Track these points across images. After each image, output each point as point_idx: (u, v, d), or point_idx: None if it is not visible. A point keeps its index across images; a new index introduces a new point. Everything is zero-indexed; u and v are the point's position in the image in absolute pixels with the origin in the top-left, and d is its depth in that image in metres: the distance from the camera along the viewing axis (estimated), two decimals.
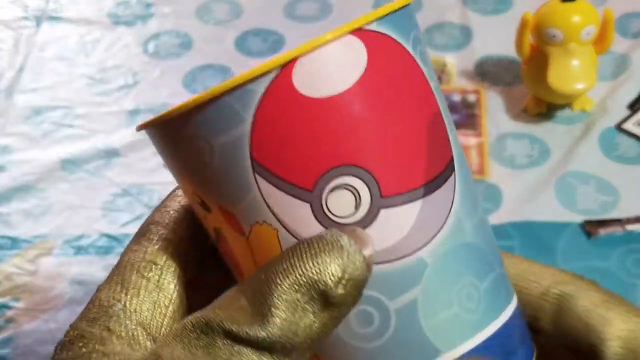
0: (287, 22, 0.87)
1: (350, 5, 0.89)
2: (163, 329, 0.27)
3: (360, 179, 0.25)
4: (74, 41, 0.86)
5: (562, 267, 0.60)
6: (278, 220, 0.25)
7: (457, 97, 0.76)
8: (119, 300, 0.27)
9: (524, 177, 0.68)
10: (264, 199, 0.25)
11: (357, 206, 0.25)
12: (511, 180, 0.68)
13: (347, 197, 0.25)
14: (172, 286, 0.28)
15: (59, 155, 0.74)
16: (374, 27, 0.25)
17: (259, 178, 0.25)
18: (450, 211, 0.26)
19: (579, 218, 0.64)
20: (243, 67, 0.82)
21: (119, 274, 0.28)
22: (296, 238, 0.25)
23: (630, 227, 0.62)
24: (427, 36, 0.83)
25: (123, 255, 0.29)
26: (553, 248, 0.62)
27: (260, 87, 0.24)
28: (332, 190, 0.25)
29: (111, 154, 0.74)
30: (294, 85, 0.24)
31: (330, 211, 0.25)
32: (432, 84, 0.27)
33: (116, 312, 0.27)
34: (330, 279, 0.23)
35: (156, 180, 0.70)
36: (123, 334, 0.26)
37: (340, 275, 0.23)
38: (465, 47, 0.82)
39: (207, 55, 0.83)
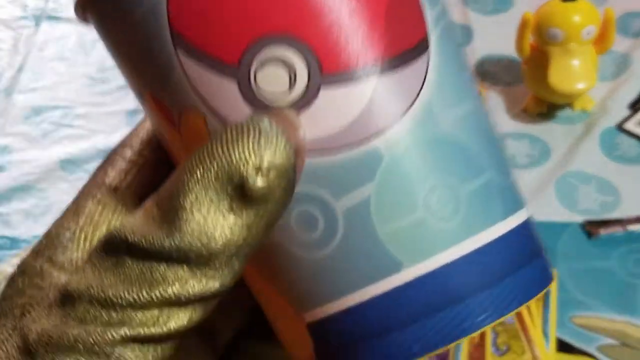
0: None
1: None
2: None
3: (295, 50, 0.21)
4: (73, 41, 0.86)
5: (563, 267, 0.60)
6: (204, 103, 0.21)
7: None
8: (68, 229, 0.24)
9: (524, 177, 0.68)
10: (188, 79, 0.21)
11: (292, 84, 0.21)
12: None
13: (279, 72, 0.21)
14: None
15: (58, 155, 0.74)
16: None
17: (180, 52, 0.21)
18: (417, 97, 0.22)
19: (580, 218, 0.64)
20: None
21: (74, 202, 0.25)
22: (224, 125, 0.21)
23: (631, 227, 0.63)
24: None
25: (85, 183, 0.26)
26: (553, 248, 0.62)
27: None
28: (262, 64, 0.21)
29: None
30: None
31: (260, 92, 0.21)
32: None
33: (62, 242, 0.23)
34: (245, 167, 0.20)
35: None
36: (66, 264, 0.23)
37: (257, 163, 0.20)
38: (466, 46, 0.82)
39: None
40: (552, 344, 0.56)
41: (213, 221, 0.20)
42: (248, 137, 0.20)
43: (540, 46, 0.70)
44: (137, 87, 0.23)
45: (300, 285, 0.22)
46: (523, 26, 0.70)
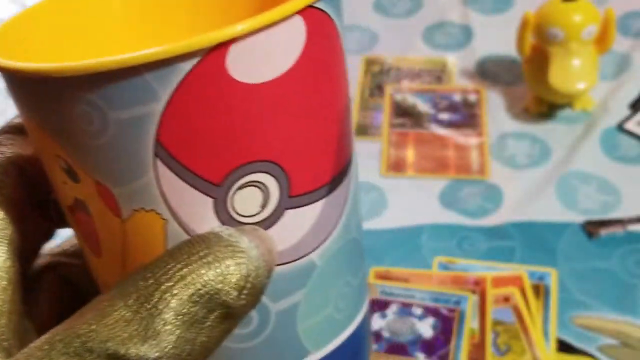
0: None
1: (350, 4, 0.89)
2: None
3: (273, 176, 0.22)
4: None
5: (563, 267, 0.60)
6: (171, 211, 0.22)
7: (457, 97, 0.76)
8: None
9: (524, 177, 0.68)
10: (159, 186, 0.21)
11: (264, 205, 0.22)
12: (512, 180, 0.68)
13: (256, 195, 0.22)
14: (3, 259, 0.22)
15: None
16: (320, 4, 0.22)
17: (159, 163, 0.21)
18: (343, 210, 0.25)
19: (580, 218, 0.64)
20: None
21: None
22: (188, 234, 0.22)
23: (631, 228, 0.63)
24: (428, 35, 0.83)
25: None
26: (554, 248, 0.62)
27: (188, 65, 0.20)
28: (242, 187, 0.22)
29: None
30: (227, 66, 0.20)
31: (234, 209, 0.22)
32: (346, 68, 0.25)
33: None
34: (234, 288, 0.20)
35: None
36: None
37: (243, 284, 0.20)
38: (466, 46, 0.82)
39: None
40: (553, 344, 0.56)
41: (195, 335, 0.20)
42: (234, 256, 0.21)
43: (540, 46, 0.70)
44: (72, 166, 0.23)
45: None
46: (523, 26, 0.71)
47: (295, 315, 0.24)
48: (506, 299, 0.58)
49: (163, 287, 0.20)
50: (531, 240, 0.63)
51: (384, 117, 0.75)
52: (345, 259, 0.25)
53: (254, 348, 0.24)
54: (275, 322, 0.24)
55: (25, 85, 0.22)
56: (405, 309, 0.58)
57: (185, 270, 0.20)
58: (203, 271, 0.20)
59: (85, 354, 0.19)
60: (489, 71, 0.79)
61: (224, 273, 0.20)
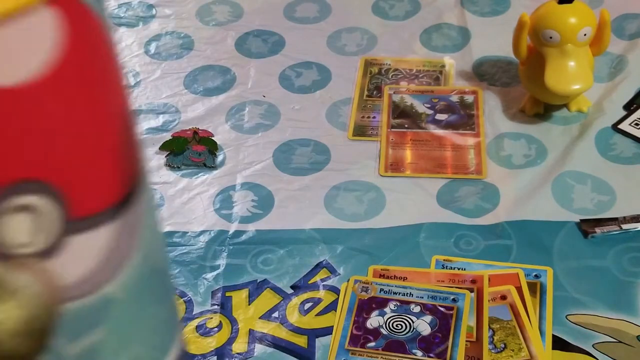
0: (287, 23, 0.88)
1: (349, 6, 0.89)
2: None
3: (45, 197, 0.18)
4: None
5: (559, 265, 0.61)
6: None
7: (455, 98, 0.77)
8: None
9: (521, 176, 0.69)
10: None
11: (38, 233, 0.19)
12: (508, 180, 0.69)
13: (26, 221, 0.18)
14: None
15: None
16: None
17: None
18: (138, 236, 0.22)
19: (576, 217, 0.65)
20: (243, 67, 0.82)
21: None
22: None
23: (626, 226, 0.63)
24: (426, 37, 0.84)
25: None
26: (550, 247, 0.63)
27: None
28: (6, 212, 0.18)
29: None
30: None
31: (1, 239, 0.18)
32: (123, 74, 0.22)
33: None
34: (10, 335, 0.18)
35: (157, 180, 0.71)
36: None
37: (19, 328, 0.18)
38: (463, 48, 0.83)
39: (207, 56, 0.84)
40: (549, 342, 0.56)
41: None
42: (11, 299, 0.18)
43: (537, 47, 0.71)
44: None
45: None
46: (520, 28, 0.71)
47: (99, 356, 0.21)
48: (503, 297, 0.59)
49: None
50: (527, 239, 0.63)
51: (383, 118, 0.75)
52: (149, 291, 0.22)
53: None
54: None
55: None
56: (404, 306, 0.59)
57: None
58: None
59: None
60: (486, 72, 0.79)
61: None
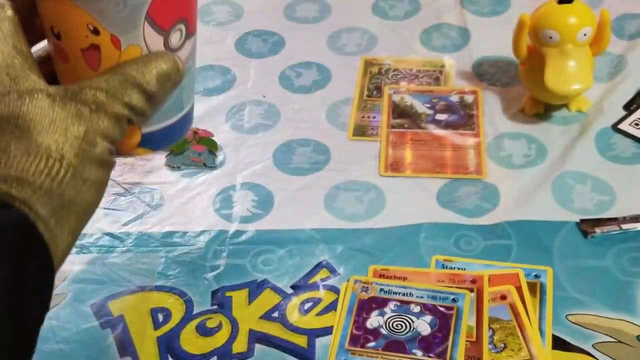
0: (287, 23, 0.88)
1: (349, 6, 0.89)
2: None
3: (184, 25, 0.43)
4: None
5: (559, 265, 0.61)
6: (146, 45, 0.41)
7: (455, 98, 0.77)
8: None
9: (521, 176, 0.69)
10: (143, 34, 0.41)
11: (181, 40, 0.43)
12: (508, 180, 0.69)
13: (179, 35, 0.43)
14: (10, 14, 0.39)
15: None
16: None
17: (145, 23, 0.41)
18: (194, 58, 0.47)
19: (576, 217, 0.65)
20: (243, 67, 0.82)
21: None
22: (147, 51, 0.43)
23: (626, 226, 0.63)
24: (426, 37, 0.84)
25: None
26: (550, 247, 0.63)
27: None
28: (175, 32, 0.42)
29: None
30: None
31: (171, 43, 0.42)
32: None
33: None
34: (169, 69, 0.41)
35: (158, 179, 0.71)
36: None
37: (169, 74, 0.41)
38: (463, 48, 0.83)
39: (207, 56, 0.84)
40: (548, 342, 0.56)
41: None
42: (167, 59, 0.41)
43: (536, 47, 0.71)
44: (98, 27, 0.40)
45: None
46: (520, 28, 0.71)
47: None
48: (503, 297, 0.59)
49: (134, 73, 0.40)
50: (527, 239, 0.64)
51: (383, 118, 0.75)
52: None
53: None
54: None
55: None
56: (404, 306, 0.59)
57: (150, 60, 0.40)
58: (158, 63, 0.40)
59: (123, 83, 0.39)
60: (485, 72, 0.79)
61: (161, 66, 0.40)
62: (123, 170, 0.72)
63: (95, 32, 0.40)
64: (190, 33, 0.44)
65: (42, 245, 0.35)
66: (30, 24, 0.41)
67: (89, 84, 0.39)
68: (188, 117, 0.49)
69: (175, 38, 0.43)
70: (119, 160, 0.74)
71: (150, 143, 0.46)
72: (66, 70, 0.42)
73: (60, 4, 0.40)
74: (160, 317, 0.60)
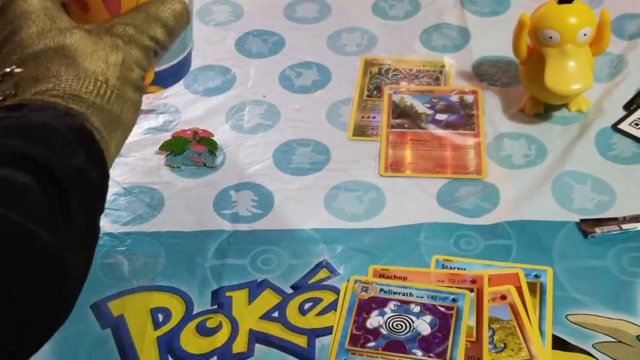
0: (287, 23, 0.88)
1: (349, 6, 0.89)
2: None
3: None
4: None
5: (559, 265, 0.61)
6: None
7: (455, 98, 0.77)
8: None
9: (521, 176, 0.69)
10: None
11: None
12: (508, 180, 0.69)
13: None
14: None
15: None
16: None
17: None
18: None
19: (576, 217, 0.65)
20: (243, 67, 0.82)
21: None
22: None
23: (626, 226, 0.63)
24: (426, 37, 0.84)
25: None
26: (549, 247, 0.63)
27: None
28: None
29: None
30: None
31: None
32: None
33: None
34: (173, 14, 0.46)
35: (158, 179, 0.71)
36: None
37: (181, 14, 0.46)
38: (463, 48, 0.83)
39: (208, 56, 0.84)
40: (548, 342, 0.56)
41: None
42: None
43: (536, 47, 0.71)
44: None
45: None
46: (520, 28, 0.71)
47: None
48: (502, 297, 0.59)
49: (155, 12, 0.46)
50: (527, 239, 0.64)
51: (383, 118, 0.75)
52: None
53: None
54: None
55: None
56: (404, 306, 0.59)
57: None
58: (171, 3, 0.46)
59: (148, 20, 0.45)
60: (485, 72, 0.79)
61: (175, 6, 0.46)
62: (123, 170, 0.72)
63: None
64: None
65: (100, 151, 0.41)
66: None
67: (118, 21, 0.44)
68: (189, 56, 0.56)
69: None
70: (119, 160, 0.74)
71: (162, 80, 0.53)
72: (86, 19, 0.47)
73: None
74: (160, 317, 0.60)
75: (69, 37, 0.43)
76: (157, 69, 0.51)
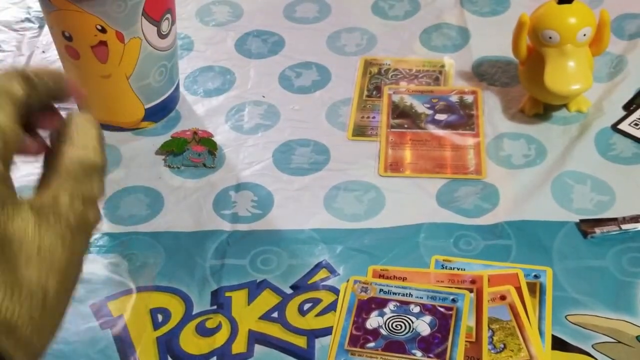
0: (287, 24, 0.88)
1: (349, 6, 0.89)
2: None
3: (170, 14, 0.55)
4: None
5: (558, 265, 0.61)
6: (144, 36, 0.53)
7: (454, 98, 0.77)
8: None
9: (520, 176, 0.69)
10: (142, 28, 0.52)
11: (169, 27, 0.56)
12: (508, 180, 0.69)
13: (167, 23, 0.52)
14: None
15: None
16: None
17: (143, 19, 0.53)
18: None
19: (575, 217, 0.65)
20: (243, 68, 0.82)
21: None
22: (149, 45, 0.58)
23: (625, 227, 0.63)
24: (425, 37, 0.84)
25: None
26: (549, 247, 0.63)
27: None
28: (164, 21, 0.53)
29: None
30: None
31: (161, 31, 0.56)
32: None
33: None
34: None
35: (157, 180, 0.71)
36: None
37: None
38: (463, 48, 0.83)
39: (207, 56, 0.84)
40: (548, 342, 0.57)
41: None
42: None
43: (536, 47, 0.71)
44: (104, 26, 0.53)
45: None
46: (519, 28, 0.71)
47: None
48: (502, 297, 0.59)
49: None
50: (527, 239, 0.64)
51: (382, 118, 0.75)
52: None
53: None
54: None
55: None
56: (403, 307, 0.59)
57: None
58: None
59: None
60: (485, 72, 0.80)
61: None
62: (123, 170, 0.72)
63: (103, 30, 0.52)
64: (174, 20, 0.56)
65: None
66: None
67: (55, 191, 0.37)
68: (177, 89, 0.60)
69: (164, 26, 0.56)
70: (119, 160, 0.74)
71: (153, 115, 0.56)
72: (76, 66, 0.52)
73: (71, 12, 0.50)
74: (160, 317, 0.60)
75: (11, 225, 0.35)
76: (147, 105, 0.55)
